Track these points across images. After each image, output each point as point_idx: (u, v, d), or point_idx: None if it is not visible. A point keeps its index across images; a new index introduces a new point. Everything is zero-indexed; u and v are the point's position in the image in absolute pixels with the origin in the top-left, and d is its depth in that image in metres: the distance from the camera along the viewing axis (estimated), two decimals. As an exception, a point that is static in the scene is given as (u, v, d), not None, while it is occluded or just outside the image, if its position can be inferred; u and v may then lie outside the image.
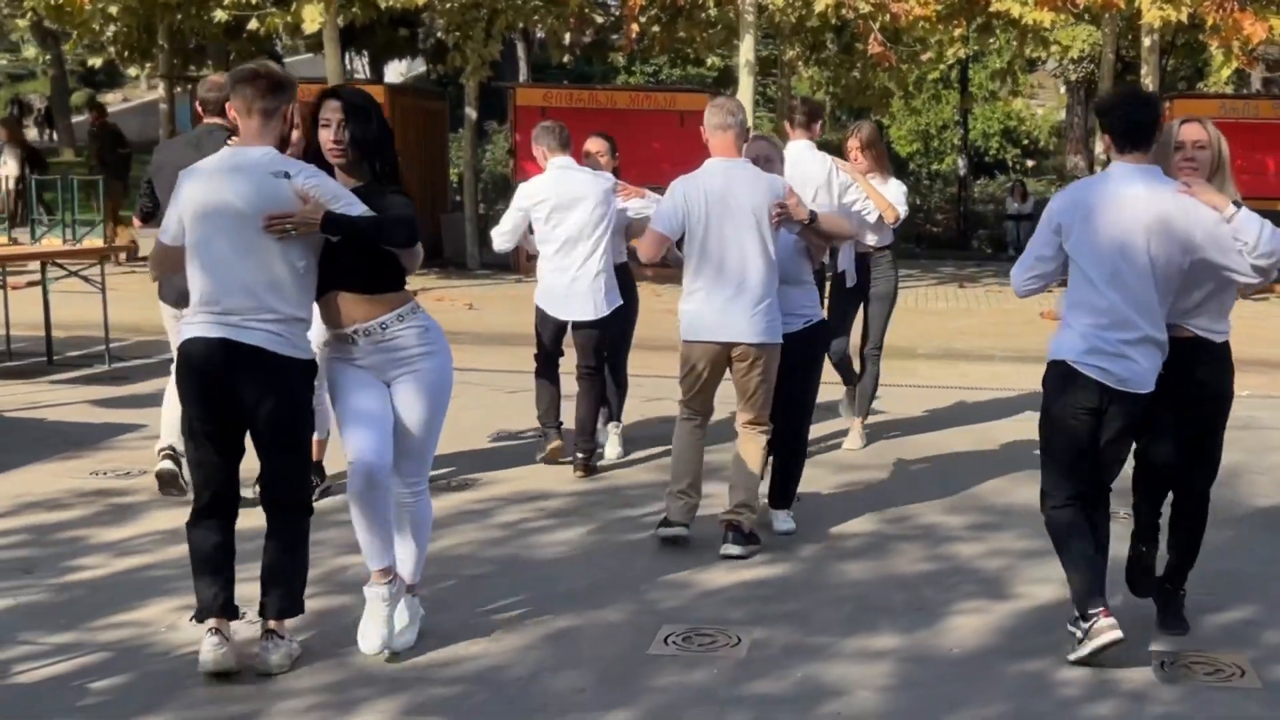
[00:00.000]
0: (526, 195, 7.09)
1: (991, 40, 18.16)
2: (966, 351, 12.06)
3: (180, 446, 5.97)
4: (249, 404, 4.26)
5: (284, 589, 4.43)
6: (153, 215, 6.28)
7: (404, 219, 4.37)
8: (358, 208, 4.23)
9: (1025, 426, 8.39)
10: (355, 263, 4.34)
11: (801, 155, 7.04)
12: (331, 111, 4.32)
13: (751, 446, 5.84)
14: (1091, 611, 4.44)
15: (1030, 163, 32.14)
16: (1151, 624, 4.92)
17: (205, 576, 4.39)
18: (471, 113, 24.19)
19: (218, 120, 6.12)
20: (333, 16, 16.58)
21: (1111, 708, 4.27)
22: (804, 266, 6.08)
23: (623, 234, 7.14)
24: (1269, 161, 16.55)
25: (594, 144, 7.45)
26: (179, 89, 21.40)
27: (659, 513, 6.48)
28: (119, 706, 4.20)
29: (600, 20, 21.88)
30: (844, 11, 14.50)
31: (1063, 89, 33.45)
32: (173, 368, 4.77)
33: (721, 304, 5.61)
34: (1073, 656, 4.50)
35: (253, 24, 16.03)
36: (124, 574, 5.48)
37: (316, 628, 4.79)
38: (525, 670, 4.51)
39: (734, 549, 5.63)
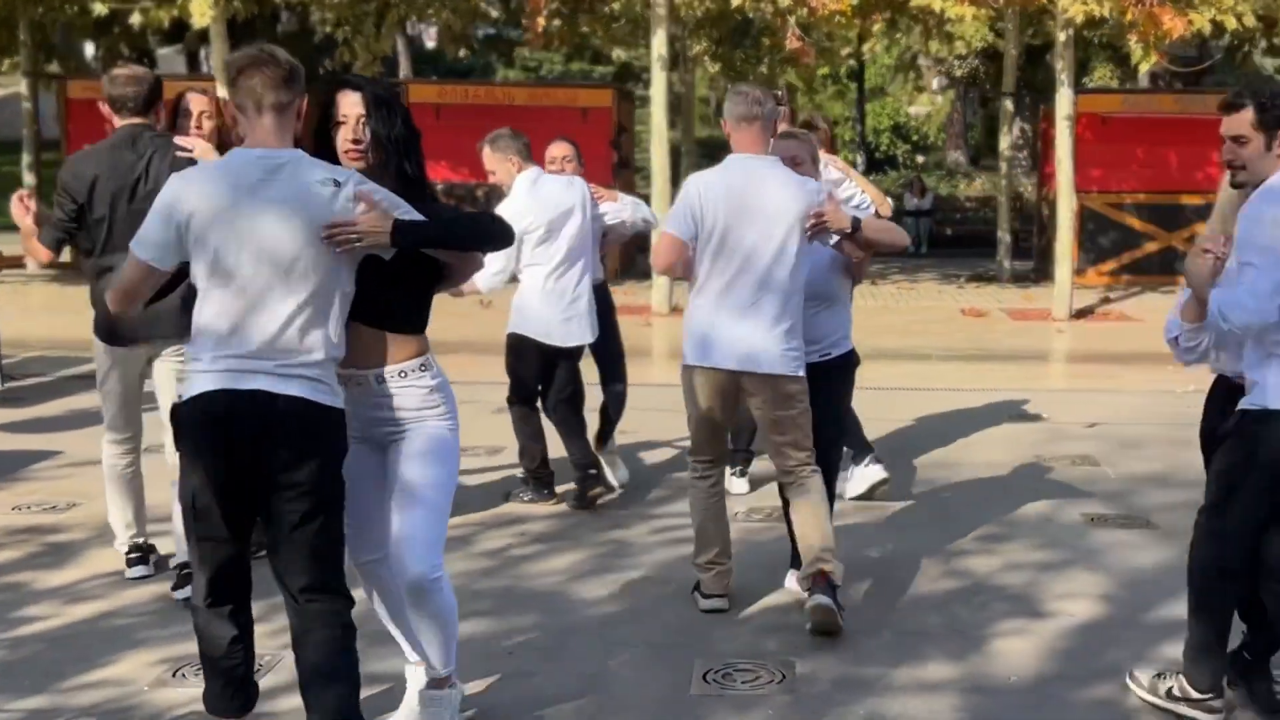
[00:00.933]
0: (512, 220, 6.29)
1: (899, 35, 18.10)
2: (900, 350, 11.88)
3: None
4: (281, 470, 3.35)
5: (343, 693, 3.50)
6: (66, 242, 5.15)
7: (475, 217, 3.83)
8: (416, 216, 3.50)
9: (1000, 428, 8.30)
10: (379, 291, 3.56)
11: None
12: (350, 106, 3.61)
13: (806, 496, 4.91)
14: None
15: (920, 159, 32.43)
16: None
17: (218, 677, 3.61)
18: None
19: (138, 120, 5.13)
20: (222, 10, 15.86)
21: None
22: (840, 284, 5.25)
23: (599, 243, 6.68)
24: (1171, 155, 16.75)
25: (559, 149, 6.66)
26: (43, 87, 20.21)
27: (652, 534, 6.15)
28: (117, 784, 3.72)
29: (495, 15, 21.43)
30: (762, 5, 14.23)
31: (935, 84, 33.80)
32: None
33: (733, 323, 4.78)
34: None
35: (135, 18, 15.19)
36: (83, 624, 4.95)
37: None
38: (563, 717, 4.11)
39: (826, 600, 4.67)
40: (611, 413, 6.77)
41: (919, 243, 22.49)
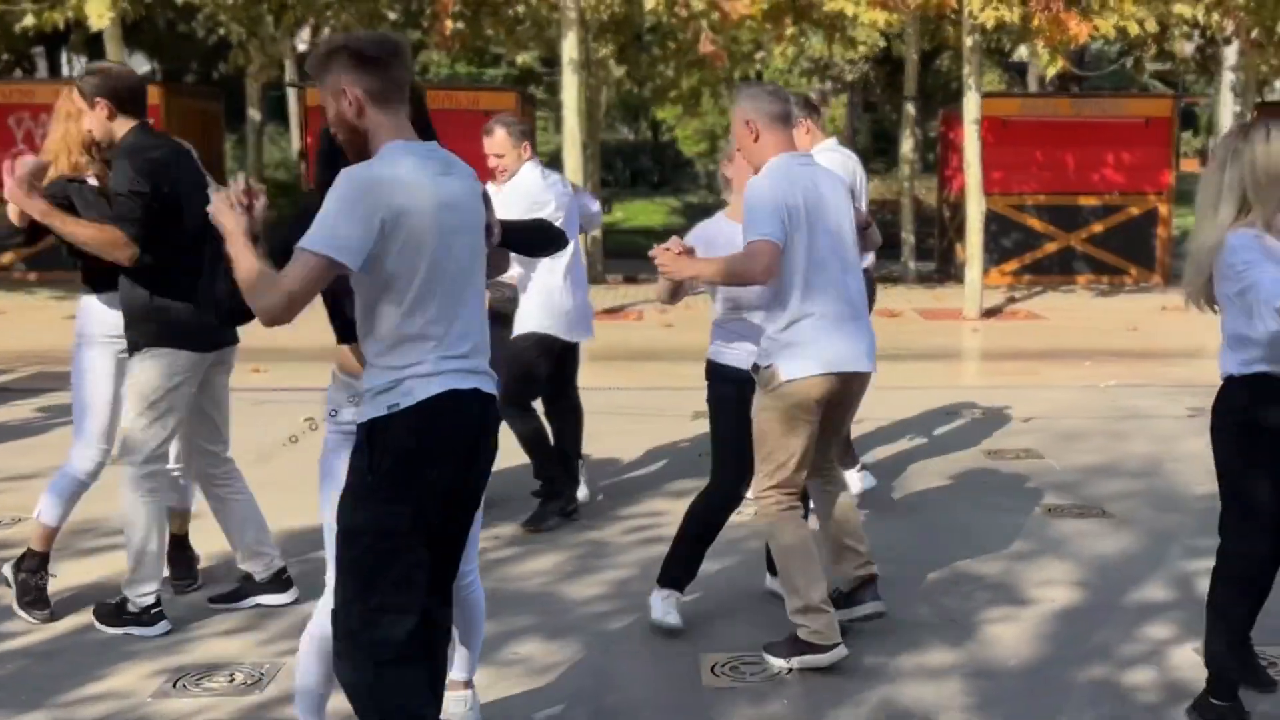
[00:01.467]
0: (534, 210, 5.71)
1: (803, 40, 18.35)
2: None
3: None
4: (485, 472, 3.34)
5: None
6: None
7: (540, 221, 4.07)
8: None
9: (941, 425, 8.46)
10: None
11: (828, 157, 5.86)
12: None
13: (844, 492, 4.87)
14: None
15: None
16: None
17: None
18: (255, 114, 23.14)
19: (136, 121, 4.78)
20: (119, 12, 15.47)
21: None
22: None
23: None
24: (1068, 158, 17.22)
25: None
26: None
27: (627, 534, 6.17)
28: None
29: (393, 17, 21.17)
30: (677, 9, 14.33)
31: (818, 88, 34.28)
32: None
33: (843, 323, 4.51)
34: None
35: (28, 20, 14.75)
36: (66, 638, 4.81)
37: None
38: (586, 715, 4.12)
39: (882, 605, 4.72)
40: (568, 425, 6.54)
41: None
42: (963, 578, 5.49)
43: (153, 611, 4.78)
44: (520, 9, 18.24)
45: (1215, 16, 15.43)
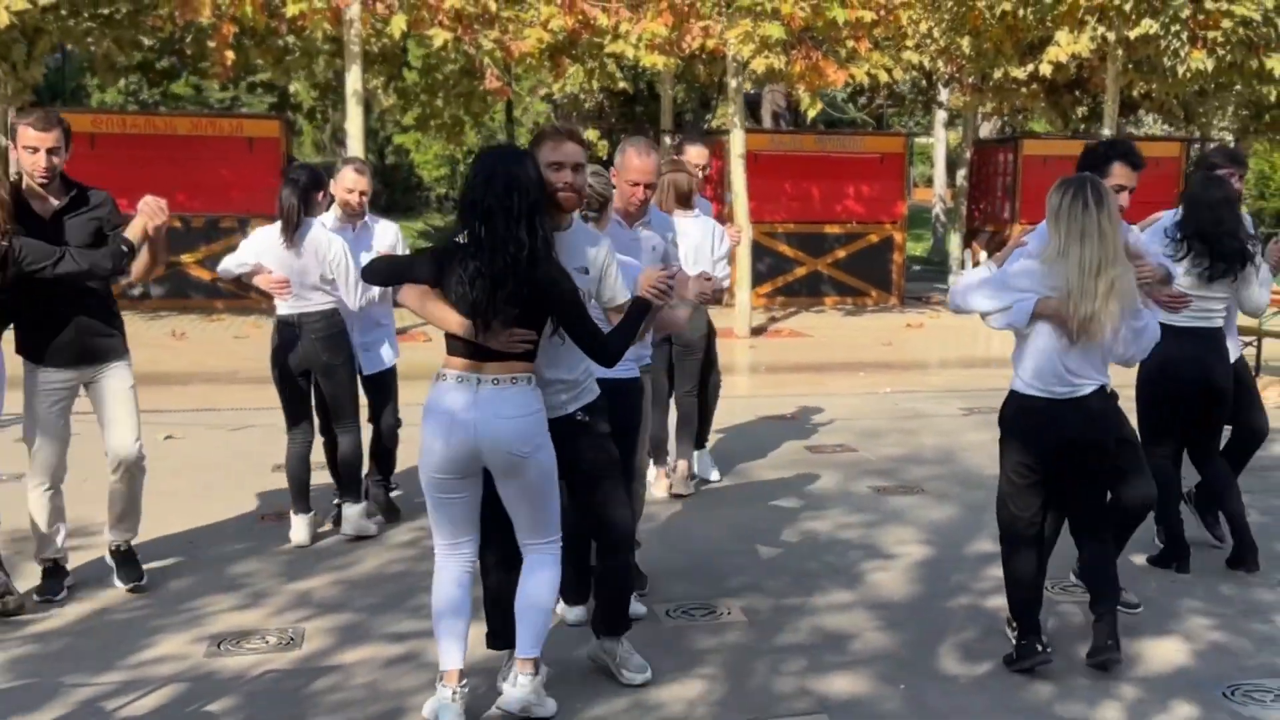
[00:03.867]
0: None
1: (568, 75, 19.42)
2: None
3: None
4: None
5: None
6: None
7: None
8: None
9: (758, 428, 9.62)
10: None
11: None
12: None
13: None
14: None
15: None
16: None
17: None
18: (3, 139, 22.56)
19: None
20: None
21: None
22: None
23: None
24: (814, 189, 18.96)
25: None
26: None
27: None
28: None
29: (149, 43, 21.12)
30: (465, 47, 15.18)
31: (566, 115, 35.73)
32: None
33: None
34: None
35: None
36: (102, 615, 5.40)
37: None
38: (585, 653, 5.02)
39: None
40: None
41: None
42: (834, 540, 6.65)
43: None
44: (291, 39, 18.63)
45: (940, 64, 17.45)
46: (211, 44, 17.11)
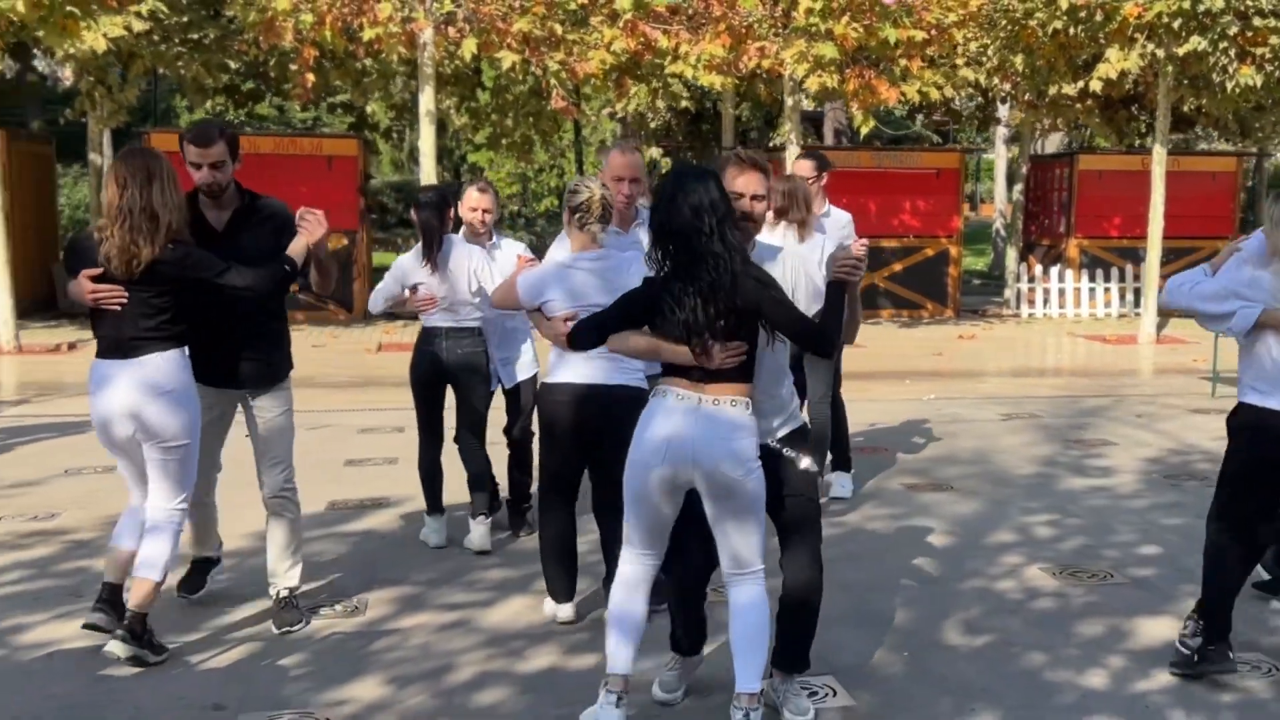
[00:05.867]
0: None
1: (634, 94, 19.99)
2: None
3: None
4: None
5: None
6: None
7: None
8: None
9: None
10: None
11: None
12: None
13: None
14: None
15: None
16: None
17: None
18: (97, 158, 23.59)
19: None
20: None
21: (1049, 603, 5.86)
22: None
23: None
24: (871, 204, 19.36)
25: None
26: None
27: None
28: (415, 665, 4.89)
29: (235, 66, 22.02)
30: (532, 69, 15.82)
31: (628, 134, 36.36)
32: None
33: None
34: None
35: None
36: (173, 592, 5.96)
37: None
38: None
39: None
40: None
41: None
42: (859, 530, 7.12)
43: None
44: (369, 61, 19.41)
45: (995, 80, 17.83)
46: (294, 67, 17.99)
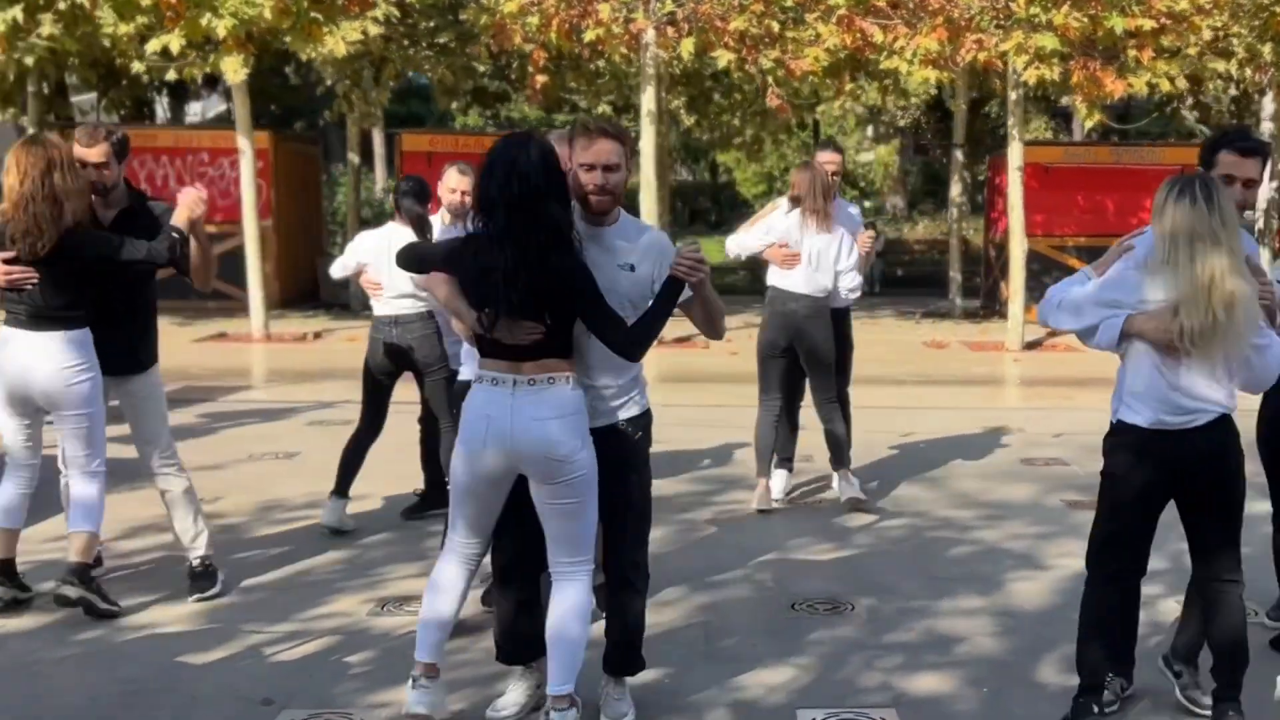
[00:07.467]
0: None
1: (861, 92, 19.69)
2: (880, 377, 13.26)
3: None
4: None
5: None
6: None
7: None
8: None
9: (982, 438, 9.71)
10: None
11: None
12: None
13: None
14: None
15: (866, 203, 34.13)
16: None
17: None
18: (354, 158, 24.78)
19: None
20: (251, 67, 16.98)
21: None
22: None
23: None
24: (1108, 202, 18.43)
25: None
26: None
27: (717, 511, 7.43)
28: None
29: (482, 69, 22.71)
30: (747, 67, 15.71)
31: (869, 132, 35.62)
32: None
33: None
34: None
35: (170, 74, 16.33)
36: (306, 575, 6.23)
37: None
38: (699, 632, 5.42)
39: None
40: None
41: (873, 283, 23.98)
42: (994, 550, 6.78)
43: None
44: (601, 63, 19.68)
45: (1248, 71, 16.64)
46: (531, 69, 18.40)
